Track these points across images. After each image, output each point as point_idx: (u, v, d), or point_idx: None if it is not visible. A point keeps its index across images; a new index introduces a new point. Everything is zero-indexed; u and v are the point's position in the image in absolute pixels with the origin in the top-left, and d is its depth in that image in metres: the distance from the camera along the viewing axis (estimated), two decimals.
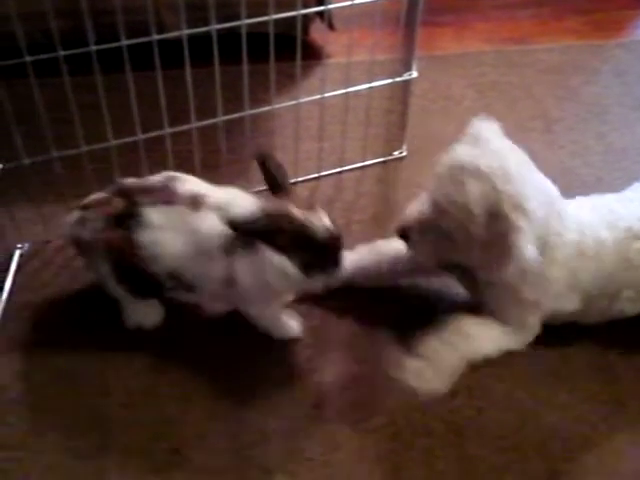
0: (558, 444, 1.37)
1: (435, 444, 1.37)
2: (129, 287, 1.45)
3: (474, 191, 1.25)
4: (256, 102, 1.77)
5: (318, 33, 2.29)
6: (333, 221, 1.34)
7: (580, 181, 1.97)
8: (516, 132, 2.12)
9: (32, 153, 1.57)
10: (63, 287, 1.61)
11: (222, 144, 1.74)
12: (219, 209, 1.37)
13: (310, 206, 1.35)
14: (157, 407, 1.41)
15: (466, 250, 1.32)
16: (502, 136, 1.37)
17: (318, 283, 1.37)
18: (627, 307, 1.48)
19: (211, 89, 1.65)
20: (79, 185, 1.58)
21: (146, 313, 1.52)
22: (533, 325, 1.46)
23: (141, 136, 1.64)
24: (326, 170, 1.96)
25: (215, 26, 1.55)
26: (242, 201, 1.39)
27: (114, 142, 1.63)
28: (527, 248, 1.25)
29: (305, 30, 2.25)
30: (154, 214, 1.38)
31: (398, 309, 1.61)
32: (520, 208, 1.24)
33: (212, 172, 1.77)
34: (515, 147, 1.37)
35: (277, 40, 1.65)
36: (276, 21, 1.63)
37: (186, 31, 1.54)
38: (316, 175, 1.95)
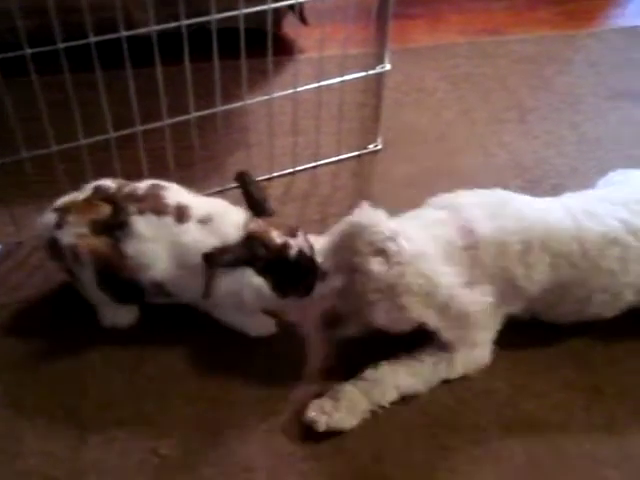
0: (536, 432, 1.38)
1: (414, 436, 1.37)
2: (110, 293, 1.44)
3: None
4: (229, 98, 1.76)
5: (291, 28, 2.28)
6: (310, 245, 1.39)
7: (555, 171, 1.97)
8: (490, 123, 2.16)
9: (1, 154, 1.55)
10: (37, 288, 1.60)
11: (195, 141, 1.73)
12: (204, 222, 1.38)
13: (291, 230, 1.38)
14: (135, 405, 1.39)
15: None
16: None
17: (293, 303, 1.41)
18: (604, 310, 1.49)
19: (183, 86, 1.63)
20: (51, 185, 1.57)
21: (121, 313, 1.51)
22: (485, 341, 1.48)
23: (112, 134, 1.62)
24: (301, 165, 1.95)
25: (184, 22, 1.54)
26: (228, 215, 1.40)
27: (84, 141, 1.61)
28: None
29: (278, 25, 2.25)
30: (142, 224, 1.37)
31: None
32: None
33: (186, 169, 1.78)
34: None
35: (249, 35, 1.65)
36: (247, 16, 1.62)
37: (155, 27, 1.53)
38: (291, 170, 1.94)
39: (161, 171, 1.72)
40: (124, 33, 1.49)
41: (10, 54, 1.42)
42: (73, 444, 1.33)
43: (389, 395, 1.40)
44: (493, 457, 1.34)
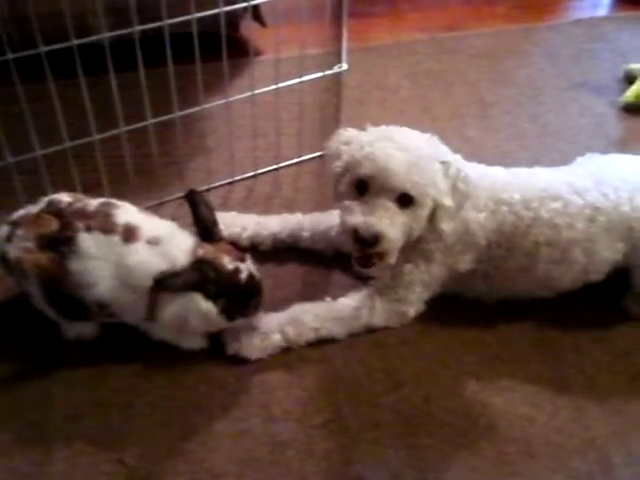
0: (504, 426, 1.38)
1: (384, 436, 1.36)
2: (57, 309, 1.42)
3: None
4: (187, 104, 1.75)
5: (248, 30, 2.27)
6: (258, 268, 1.41)
7: (517, 164, 1.96)
8: (452, 118, 2.17)
9: None
10: (7, 303, 1.57)
11: (154, 148, 1.71)
12: (153, 243, 1.36)
13: (240, 254, 1.39)
14: (101, 417, 1.38)
15: None
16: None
17: (238, 324, 1.43)
18: (554, 270, 1.50)
19: (140, 93, 1.62)
20: (8, 197, 1.55)
21: (84, 326, 1.48)
22: (413, 301, 1.53)
23: (68, 144, 1.61)
24: (262, 168, 1.95)
25: (137, 27, 1.53)
26: (176, 239, 1.39)
27: (40, 152, 1.59)
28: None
29: (235, 27, 2.23)
30: (88, 241, 1.34)
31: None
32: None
33: (146, 176, 1.76)
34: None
35: (206, 39, 1.64)
36: (203, 20, 1.62)
37: (107, 34, 1.51)
38: (253, 173, 1.93)
39: (121, 179, 1.72)
40: (75, 42, 1.48)
41: None
42: (39, 459, 1.31)
43: (306, 336, 1.48)
44: (462, 453, 1.34)
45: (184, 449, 1.33)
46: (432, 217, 1.41)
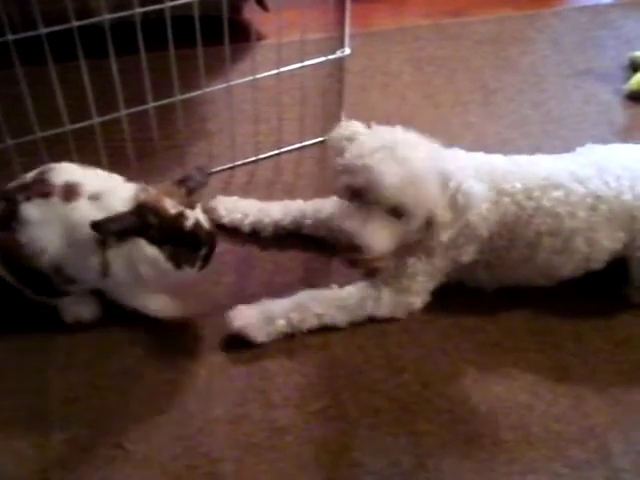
0: (503, 414, 1.38)
1: (382, 422, 1.36)
2: (26, 286, 1.44)
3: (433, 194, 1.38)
4: (189, 87, 1.73)
5: (251, 14, 2.26)
6: (210, 218, 1.40)
7: (519, 152, 1.95)
8: (455, 105, 2.16)
9: None
10: (2, 286, 1.57)
11: (154, 131, 1.70)
12: (94, 199, 1.36)
13: (189, 202, 1.37)
14: (98, 400, 1.38)
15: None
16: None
17: (189, 276, 1.39)
18: (555, 259, 1.49)
19: (141, 76, 1.61)
20: (9, 181, 1.54)
21: (83, 307, 1.49)
22: (418, 291, 1.53)
23: (69, 127, 1.60)
24: (264, 153, 1.93)
25: (138, 10, 1.52)
26: (119, 190, 1.38)
27: (40, 134, 1.59)
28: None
29: (237, 11, 2.22)
30: (30, 209, 1.36)
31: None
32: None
33: (146, 160, 1.76)
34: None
35: (208, 22, 1.63)
36: (205, 3, 1.61)
37: (107, 16, 1.50)
38: (254, 158, 1.92)
39: (121, 163, 1.71)
40: (75, 23, 1.47)
41: None
42: (38, 442, 1.31)
43: (309, 322, 1.48)
44: (461, 440, 1.34)
45: (182, 434, 1.33)
46: (429, 224, 1.41)
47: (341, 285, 1.53)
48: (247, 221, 1.69)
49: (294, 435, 1.33)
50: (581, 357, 1.48)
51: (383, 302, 1.51)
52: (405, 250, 1.47)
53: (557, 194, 1.46)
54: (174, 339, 1.49)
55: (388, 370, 1.45)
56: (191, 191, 1.39)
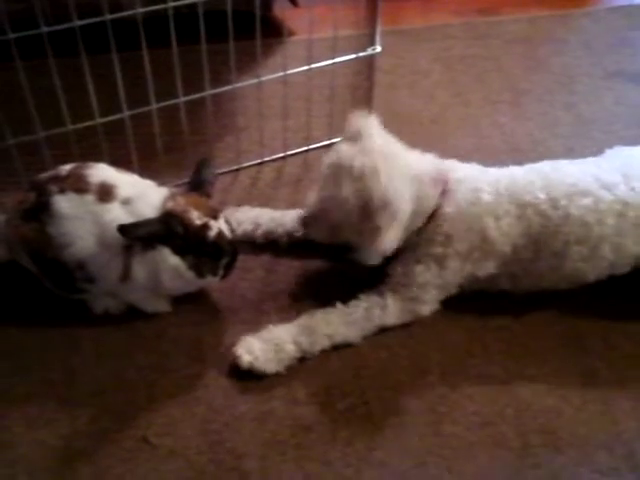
0: (530, 417, 1.36)
1: (408, 422, 1.35)
2: (50, 280, 1.45)
3: (348, 189, 1.36)
4: (219, 82, 1.74)
5: (281, 10, 2.26)
6: (232, 228, 1.42)
7: (549, 152, 1.95)
8: (484, 105, 2.14)
9: None
10: (31, 277, 1.58)
11: (184, 126, 1.71)
12: (126, 203, 1.38)
13: (213, 211, 1.39)
14: (124, 394, 1.38)
15: (349, 236, 1.42)
16: (380, 130, 1.46)
17: (211, 283, 1.46)
18: (583, 266, 1.47)
19: (172, 70, 1.62)
20: (39, 173, 1.54)
21: (111, 300, 1.50)
22: (427, 301, 1.50)
23: (99, 120, 1.60)
24: (292, 149, 1.93)
25: (170, 4, 1.52)
26: (148, 196, 1.40)
27: (71, 127, 1.59)
28: (389, 239, 1.37)
29: (268, 7, 2.22)
30: (62, 202, 1.37)
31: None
32: (387, 205, 1.34)
33: (175, 154, 1.76)
34: (390, 140, 1.46)
35: (239, 18, 1.63)
36: None
37: (140, 9, 1.50)
38: (282, 154, 1.92)
39: (150, 156, 1.72)
40: (108, 16, 1.47)
41: None
42: (64, 433, 1.32)
43: (320, 344, 1.44)
44: (487, 443, 1.33)
45: (207, 429, 1.33)
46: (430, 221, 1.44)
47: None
48: (259, 231, 1.66)
49: (319, 433, 1.33)
50: (609, 361, 1.46)
51: (390, 310, 1.48)
52: (412, 254, 1.46)
53: (586, 202, 1.44)
54: (200, 334, 1.48)
55: (413, 370, 1.44)
56: (209, 195, 1.43)
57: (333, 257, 1.55)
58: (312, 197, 1.47)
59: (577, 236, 1.44)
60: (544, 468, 1.29)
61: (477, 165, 1.54)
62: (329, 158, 1.43)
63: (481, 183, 1.45)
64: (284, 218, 1.67)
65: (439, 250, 1.45)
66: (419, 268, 1.47)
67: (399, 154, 1.43)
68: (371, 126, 1.44)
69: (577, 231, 1.44)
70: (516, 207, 1.44)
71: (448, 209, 1.44)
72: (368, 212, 1.35)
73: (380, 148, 1.39)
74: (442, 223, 1.44)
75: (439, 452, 1.31)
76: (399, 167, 1.38)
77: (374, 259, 1.44)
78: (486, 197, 1.43)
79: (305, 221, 1.50)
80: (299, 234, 1.64)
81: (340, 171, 1.38)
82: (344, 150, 1.41)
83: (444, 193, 1.44)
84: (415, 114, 2.08)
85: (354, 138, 1.42)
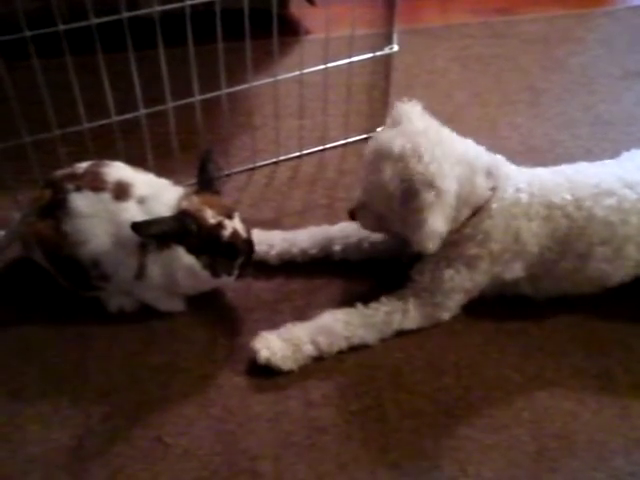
0: (547, 421, 1.35)
1: (423, 425, 1.34)
2: (65, 278, 1.45)
3: (388, 172, 1.34)
4: (234, 81, 1.73)
5: (298, 8, 2.25)
6: (247, 228, 1.41)
7: (568, 153, 1.94)
8: (502, 104, 2.13)
9: (3, 138, 1.53)
10: (44, 275, 1.58)
11: (200, 124, 1.70)
12: (141, 202, 1.38)
13: (228, 210, 1.38)
14: (137, 393, 1.38)
15: (394, 225, 1.41)
16: (423, 115, 1.45)
17: (226, 283, 1.45)
18: (606, 268, 1.46)
19: (188, 69, 1.61)
20: (54, 170, 1.54)
21: (126, 298, 1.50)
22: (450, 307, 1.49)
23: (115, 118, 1.60)
24: (308, 148, 1.93)
25: (187, 2, 1.52)
26: (164, 195, 1.40)
27: (87, 125, 1.59)
28: (437, 222, 1.33)
29: (284, 5, 2.21)
30: (79, 200, 1.37)
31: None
32: (431, 186, 1.31)
33: (191, 153, 1.76)
34: (434, 124, 1.44)
35: (255, 16, 1.62)
36: None
37: (157, 8, 1.50)
38: (298, 154, 1.92)
39: (166, 155, 1.71)
40: (125, 14, 1.47)
41: (10, 37, 1.39)
42: (78, 432, 1.31)
43: (337, 345, 1.43)
44: (504, 446, 1.31)
45: (221, 430, 1.32)
46: (475, 215, 1.40)
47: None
48: (273, 252, 1.62)
49: (333, 435, 1.32)
50: (628, 366, 1.45)
51: (411, 315, 1.47)
52: (445, 259, 1.45)
53: (610, 202, 1.42)
54: (214, 334, 1.48)
55: (429, 372, 1.43)
56: (219, 192, 1.43)
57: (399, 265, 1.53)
58: (357, 187, 1.47)
59: (601, 237, 1.43)
60: (560, 472, 1.28)
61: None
62: (370, 145, 1.42)
63: (522, 183, 1.44)
64: (297, 238, 1.64)
65: (473, 251, 1.43)
66: (448, 273, 1.45)
67: (445, 137, 1.40)
68: (412, 111, 1.43)
69: (601, 232, 1.43)
70: (545, 208, 1.42)
71: (494, 205, 1.41)
72: (411, 194, 1.32)
73: (421, 129, 1.38)
74: (486, 219, 1.41)
75: (454, 455, 1.30)
76: (443, 148, 1.36)
77: (428, 245, 1.35)
78: (524, 197, 1.42)
79: (353, 212, 1.49)
80: (313, 252, 1.63)
81: (380, 155, 1.36)
82: (384, 135, 1.40)
83: (494, 188, 1.42)
84: (432, 114, 2.06)
85: (395, 124, 1.42)
